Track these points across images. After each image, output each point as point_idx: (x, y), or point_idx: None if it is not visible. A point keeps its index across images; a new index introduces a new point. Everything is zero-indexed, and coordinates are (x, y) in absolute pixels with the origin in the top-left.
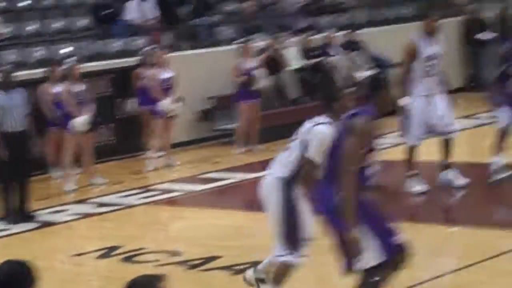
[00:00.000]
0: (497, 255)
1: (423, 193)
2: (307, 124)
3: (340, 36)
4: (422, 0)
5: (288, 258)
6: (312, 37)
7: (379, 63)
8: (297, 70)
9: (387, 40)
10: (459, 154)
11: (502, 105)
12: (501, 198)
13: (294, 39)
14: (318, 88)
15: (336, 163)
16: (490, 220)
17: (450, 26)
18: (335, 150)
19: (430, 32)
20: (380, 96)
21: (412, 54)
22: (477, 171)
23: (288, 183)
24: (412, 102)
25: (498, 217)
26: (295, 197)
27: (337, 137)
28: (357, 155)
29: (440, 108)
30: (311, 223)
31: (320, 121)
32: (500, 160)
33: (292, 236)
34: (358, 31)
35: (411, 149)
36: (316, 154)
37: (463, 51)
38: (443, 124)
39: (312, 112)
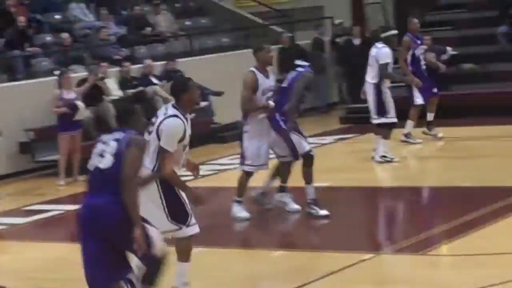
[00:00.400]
0: (321, 277)
1: (248, 219)
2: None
3: (159, 65)
4: (239, 30)
5: (184, 231)
6: (131, 67)
7: (199, 90)
8: (117, 100)
9: (206, 69)
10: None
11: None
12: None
13: (113, 69)
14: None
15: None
16: (310, 242)
17: None
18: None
19: (265, 64)
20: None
21: (253, 87)
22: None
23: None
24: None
25: (319, 240)
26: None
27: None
28: (139, 166)
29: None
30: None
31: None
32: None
33: (179, 212)
34: (177, 61)
35: (247, 175)
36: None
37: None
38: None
39: None
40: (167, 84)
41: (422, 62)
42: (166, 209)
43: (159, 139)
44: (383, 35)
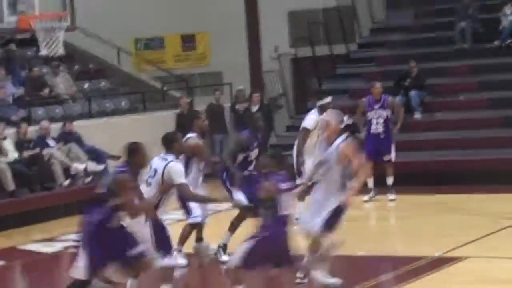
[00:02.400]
0: None
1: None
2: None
3: (56, 127)
4: (138, 93)
5: (169, 261)
6: (28, 129)
7: (96, 154)
8: (14, 162)
9: (104, 132)
10: None
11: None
12: None
13: (10, 130)
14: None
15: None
16: None
17: (166, 118)
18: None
19: (202, 131)
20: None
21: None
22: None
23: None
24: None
25: None
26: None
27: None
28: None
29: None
30: None
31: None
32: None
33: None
34: (75, 123)
35: (192, 227)
36: None
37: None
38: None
39: (30, 205)
40: (63, 146)
41: None
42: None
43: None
44: (319, 103)
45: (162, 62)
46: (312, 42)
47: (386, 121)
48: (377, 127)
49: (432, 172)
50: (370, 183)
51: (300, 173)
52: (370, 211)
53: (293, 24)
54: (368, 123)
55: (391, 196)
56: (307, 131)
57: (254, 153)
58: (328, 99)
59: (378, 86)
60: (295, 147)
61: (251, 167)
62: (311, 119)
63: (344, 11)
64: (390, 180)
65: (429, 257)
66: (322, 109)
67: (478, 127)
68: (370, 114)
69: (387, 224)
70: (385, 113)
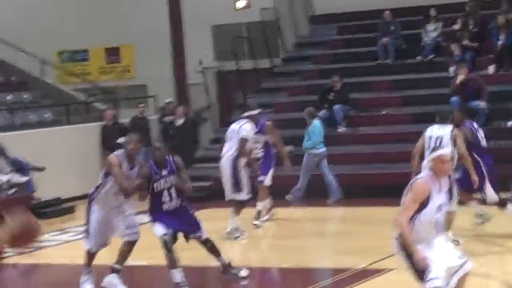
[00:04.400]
0: None
1: None
2: None
3: None
4: (62, 106)
5: None
6: None
7: (20, 166)
8: None
9: (27, 144)
10: (102, 258)
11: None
12: None
13: None
14: None
15: None
16: None
17: (90, 130)
18: None
19: (132, 153)
20: None
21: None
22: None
23: None
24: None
25: None
26: None
27: None
28: None
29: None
30: None
31: None
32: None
33: None
34: None
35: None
36: None
37: (103, 156)
38: (125, 229)
39: None
40: None
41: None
42: None
43: None
44: (245, 114)
45: (87, 75)
46: (236, 56)
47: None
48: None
49: (355, 185)
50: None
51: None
52: (296, 224)
53: (217, 38)
54: None
55: (256, 222)
56: (246, 141)
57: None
58: (257, 111)
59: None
60: (228, 159)
61: None
62: (248, 130)
63: (268, 25)
64: (260, 205)
65: (353, 269)
66: (252, 120)
67: (400, 141)
68: None
69: (314, 237)
70: (263, 138)
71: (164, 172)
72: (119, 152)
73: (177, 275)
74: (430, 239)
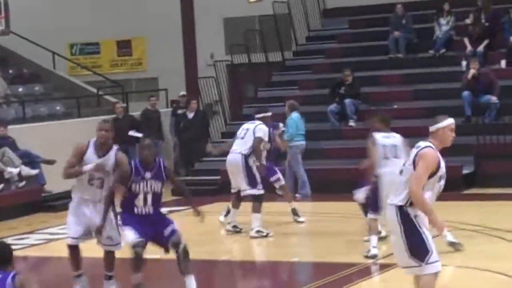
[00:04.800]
0: None
1: None
2: None
3: None
4: (71, 98)
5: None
6: None
7: (30, 159)
8: None
9: (38, 137)
10: None
11: None
12: None
13: None
14: None
15: None
16: None
17: None
18: None
19: (102, 140)
20: None
21: (80, 156)
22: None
23: None
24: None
25: None
26: None
27: None
28: None
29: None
30: None
31: None
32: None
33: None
34: (8, 127)
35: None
36: None
37: None
38: (106, 238)
39: None
40: None
41: None
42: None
43: None
44: (258, 116)
45: (98, 67)
46: (248, 49)
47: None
48: None
49: None
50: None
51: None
52: (307, 217)
53: (229, 31)
54: None
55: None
56: (261, 142)
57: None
58: (269, 114)
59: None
60: (240, 156)
61: None
62: (265, 131)
63: (280, 19)
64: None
65: (362, 264)
66: (264, 122)
67: (412, 136)
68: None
69: (324, 230)
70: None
71: (148, 175)
72: (92, 139)
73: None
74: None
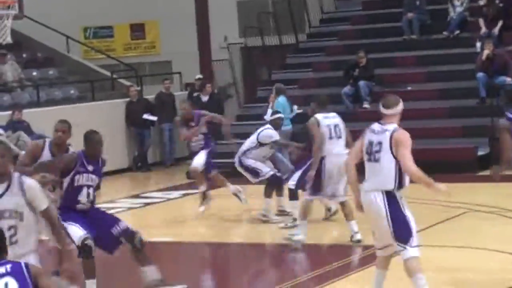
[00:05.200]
0: None
1: None
2: None
3: (4, 115)
4: (87, 82)
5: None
6: None
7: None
8: None
9: (52, 120)
10: None
11: None
12: None
13: None
14: None
15: None
16: None
17: (115, 107)
18: None
19: (59, 145)
20: None
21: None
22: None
23: None
24: None
25: None
26: None
27: None
28: None
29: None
30: None
31: None
32: None
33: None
34: (23, 111)
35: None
36: None
37: (128, 132)
38: None
39: None
40: (12, 134)
41: None
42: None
43: None
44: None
45: (111, 51)
46: (261, 32)
47: None
48: None
49: None
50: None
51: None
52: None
53: (243, 14)
54: None
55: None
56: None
57: None
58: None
59: None
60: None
61: None
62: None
63: (294, 1)
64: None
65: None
66: (273, 124)
67: (426, 117)
68: None
69: (337, 214)
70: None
71: (90, 168)
72: (48, 139)
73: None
74: None
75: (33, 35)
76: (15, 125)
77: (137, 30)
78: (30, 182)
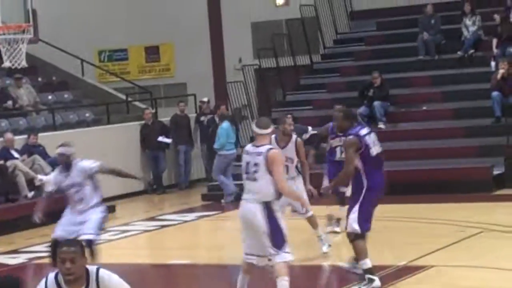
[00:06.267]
0: None
1: None
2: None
3: (20, 139)
4: (101, 105)
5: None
6: None
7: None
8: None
9: None
10: (143, 256)
11: None
12: None
13: None
14: None
15: None
16: None
17: (130, 130)
18: None
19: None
20: None
21: None
22: (160, 272)
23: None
24: None
25: None
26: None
27: None
28: None
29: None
30: None
31: None
32: None
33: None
34: (39, 135)
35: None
36: None
37: (143, 155)
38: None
39: None
40: (27, 158)
41: None
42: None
43: None
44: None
45: (126, 74)
46: (275, 53)
47: None
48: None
49: (396, 182)
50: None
51: None
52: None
53: (257, 35)
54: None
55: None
56: None
57: None
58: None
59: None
60: None
61: None
62: None
63: (308, 22)
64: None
65: (394, 266)
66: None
67: (441, 137)
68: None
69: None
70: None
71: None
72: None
73: None
74: None
75: (48, 59)
76: (30, 149)
77: (152, 52)
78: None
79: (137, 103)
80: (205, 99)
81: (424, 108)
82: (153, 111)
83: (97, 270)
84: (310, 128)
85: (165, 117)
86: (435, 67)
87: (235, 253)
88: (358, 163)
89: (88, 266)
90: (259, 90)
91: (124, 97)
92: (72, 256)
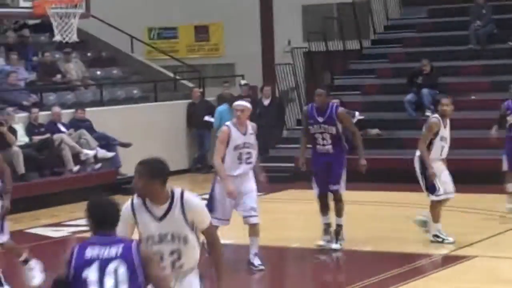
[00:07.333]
0: None
1: None
2: None
3: (67, 113)
4: (150, 82)
5: None
6: (39, 114)
7: (107, 141)
8: (24, 146)
9: (114, 120)
10: None
11: None
12: None
13: (22, 115)
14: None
15: None
16: None
17: (177, 108)
18: None
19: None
20: None
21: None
22: None
23: None
24: None
25: None
26: None
27: None
28: None
29: None
30: None
31: None
32: None
33: None
34: (86, 110)
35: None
36: None
37: (189, 134)
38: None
39: (39, 189)
40: (74, 132)
41: None
42: None
43: None
44: None
45: (175, 52)
46: (325, 37)
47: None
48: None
49: None
50: None
51: None
52: (378, 208)
53: (307, 18)
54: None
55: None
56: None
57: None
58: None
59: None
60: None
61: None
62: None
63: (359, 6)
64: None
65: (437, 255)
66: None
67: (489, 127)
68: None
69: (396, 221)
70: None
71: None
72: None
73: None
74: None
75: (99, 35)
76: (77, 123)
77: (201, 31)
78: (192, 200)
79: (184, 81)
80: (242, 82)
81: (473, 97)
82: (201, 90)
83: (182, 191)
84: (357, 113)
85: (212, 97)
86: (486, 56)
87: (278, 235)
88: None
89: (174, 189)
90: (307, 73)
91: (172, 75)
92: (137, 173)
